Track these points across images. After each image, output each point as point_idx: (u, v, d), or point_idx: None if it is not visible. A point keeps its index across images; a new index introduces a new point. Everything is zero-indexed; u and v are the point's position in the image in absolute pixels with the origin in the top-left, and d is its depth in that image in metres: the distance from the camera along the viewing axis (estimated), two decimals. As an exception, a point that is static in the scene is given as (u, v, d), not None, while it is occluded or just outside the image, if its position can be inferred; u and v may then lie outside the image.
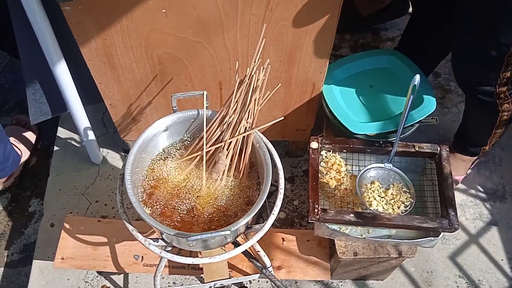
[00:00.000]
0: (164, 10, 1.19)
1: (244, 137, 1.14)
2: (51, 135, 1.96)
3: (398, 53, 1.57)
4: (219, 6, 1.18)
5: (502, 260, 1.69)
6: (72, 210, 1.75)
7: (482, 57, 1.30)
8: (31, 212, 1.89)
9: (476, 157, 1.75)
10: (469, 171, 1.81)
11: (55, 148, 1.90)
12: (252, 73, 1.07)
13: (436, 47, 1.70)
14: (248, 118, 1.12)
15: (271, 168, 1.10)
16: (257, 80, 1.06)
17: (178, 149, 1.23)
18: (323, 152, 1.41)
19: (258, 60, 1.06)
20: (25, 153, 1.94)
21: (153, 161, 1.21)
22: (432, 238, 1.32)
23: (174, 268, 1.50)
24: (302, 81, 1.44)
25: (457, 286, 1.64)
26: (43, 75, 1.45)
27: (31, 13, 1.19)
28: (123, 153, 1.88)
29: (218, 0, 1.16)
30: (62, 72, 1.37)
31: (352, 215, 1.28)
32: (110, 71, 1.38)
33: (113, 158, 1.87)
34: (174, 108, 1.17)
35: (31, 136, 1.99)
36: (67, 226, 1.52)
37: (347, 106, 1.48)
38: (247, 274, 1.46)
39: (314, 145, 1.39)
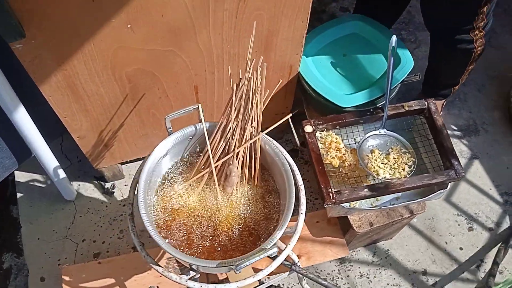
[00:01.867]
0: (129, 26, 1.06)
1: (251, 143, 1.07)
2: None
3: (362, 17, 1.55)
4: (189, 9, 1.08)
5: (491, 189, 1.78)
6: (60, 257, 1.60)
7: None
8: (6, 268, 1.70)
9: (445, 99, 1.80)
10: (441, 113, 1.87)
11: (18, 195, 1.71)
12: (249, 75, 0.99)
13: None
14: (252, 122, 1.04)
15: (289, 168, 1.05)
16: (255, 82, 0.98)
17: (181, 172, 1.14)
18: (317, 134, 1.38)
19: (252, 61, 0.98)
20: (-22, 208, 1.74)
21: (158, 191, 1.11)
22: (442, 191, 1.34)
23: None
24: (280, 66, 1.38)
25: (458, 224, 1.72)
26: (1, 128, 1.27)
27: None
28: (96, 182, 1.73)
29: (188, 2, 1.06)
30: (22, 118, 1.21)
31: (366, 189, 1.27)
32: (75, 103, 1.24)
33: (87, 189, 1.72)
34: (169, 130, 1.07)
35: (-20, 187, 1.78)
36: (66, 278, 1.38)
37: (327, 81, 1.44)
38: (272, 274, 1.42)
39: (308, 128, 1.34)
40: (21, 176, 1.74)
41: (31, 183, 1.73)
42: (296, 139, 1.82)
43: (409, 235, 1.69)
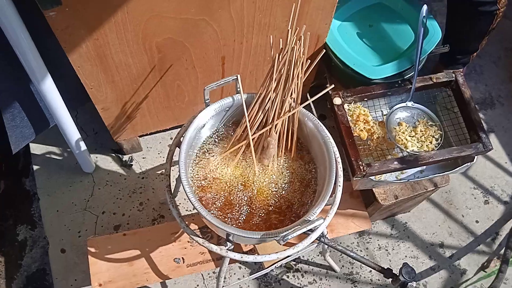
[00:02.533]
0: (165, -7, 1.03)
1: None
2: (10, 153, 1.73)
3: (386, -15, 1.52)
4: (226, -25, 1.04)
5: (506, 163, 1.80)
6: (80, 229, 1.59)
7: None
8: (21, 240, 1.69)
9: (465, 67, 1.79)
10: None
11: (35, 167, 1.69)
12: (292, 45, 0.96)
13: None
14: (291, 94, 1.03)
15: (329, 141, 1.04)
16: (298, 51, 0.96)
17: (216, 144, 1.12)
18: (345, 106, 1.37)
19: (296, 29, 0.95)
20: (-9, 180, 1.71)
21: (195, 162, 1.09)
22: (468, 164, 1.35)
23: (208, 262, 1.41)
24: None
25: (474, 198, 1.74)
26: (22, 96, 1.24)
27: (9, 28, 0.98)
28: (114, 154, 1.71)
29: (226, -32, 1.02)
30: (49, 86, 1.17)
31: (396, 162, 1.27)
32: (103, 73, 1.21)
33: (105, 161, 1.70)
34: (206, 101, 1.05)
35: (-10, 160, 1.75)
36: (92, 249, 1.38)
37: (354, 52, 1.42)
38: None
39: (337, 101, 1.33)
40: (36, 149, 1.71)
41: (48, 156, 1.70)
42: (314, 111, 1.81)
43: (427, 208, 1.71)
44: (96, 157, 1.70)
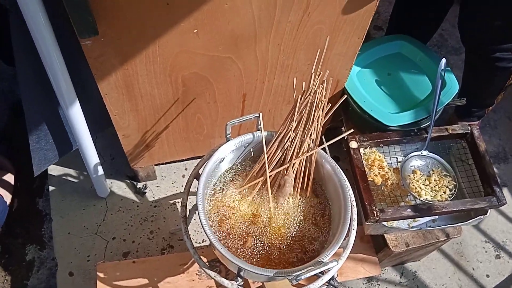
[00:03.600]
0: (195, 31, 1.08)
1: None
2: (27, 172, 1.76)
3: (406, 37, 1.57)
4: (255, 18, 1.09)
5: (519, 218, 1.79)
6: (90, 253, 1.60)
7: (507, 15, 1.34)
8: (29, 260, 1.70)
9: (479, 120, 1.81)
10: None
11: (50, 188, 1.71)
12: (315, 88, 1.00)
13: (435, 16, 1.70)
14: (311, 135, 1.05)
15: (345, 184, 1.06)
16: (320, 95, 0.99)
17: (234, 178, 1.14)
18: (361, 150, 1.39)
19: (319, 74, 0.99)
20: (7, 197, 1.74)
21: (211, 194, 1.11)
22: (481, 217, 1.35)
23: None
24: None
25: (486, 251, 1.72)
26: (49, 119, 1.28)
27: (45, 50, 1.03)
28: (128, 181, 1.73)
29: (255, 11, 1.07)
30: (75, 111, 1.22)
31: (409, 210, 1.28)
32: (128, 102, 1.25)
33: (119, 188, 1.72)
34: (227, 136, 1.08)
35: (9, 177, 1.78)
36: (101, 275, 1.38)
37: (372, 98, 1.45)
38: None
39: (353, 144, 1.35)
40: (53, 170, 1.74)
41: (64, 178, 1.73)
42: (328, 152, 1.83)
43: (437, 258, 1.69)
44: (111, 182, 1.73)
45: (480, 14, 1.42)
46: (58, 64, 1.07)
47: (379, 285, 1.61)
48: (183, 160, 1.74)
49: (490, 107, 1.73)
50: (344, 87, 1.46)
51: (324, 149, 1.10)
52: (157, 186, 1.73)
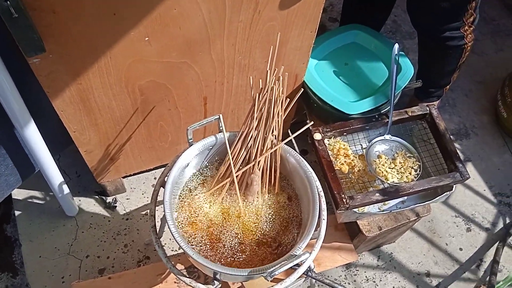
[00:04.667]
0: (147, 38, 1.06)
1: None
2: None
3: (360, 26, 1.59)
4: (206, 21, 1.09)
5: (485, 190, 1.85)
6: (64, 275, 1.56)
7: None
8: (2, 289, 1.65)
9: (439, 100, 1.86)
10: (434, 118, 1.92)
11: (16, 213, 1.67)
12: (271, 85, 1.00)
13: (385, 2, 1.74)
14: (273, 131, 1.06)
15: (311, 175, 1.07)
16: (278, 91, 1.00)
17: (201, 182, 1.14)
18: (325, 140, 1.40)
19: (275, 70, 1.00)
20: (-29, 227, 1.68)
21: (179, 201, 1.10)
22: (448, 193, 1.39)
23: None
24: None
25: (457, 226, 1.77)
26: (6, 142, 1.24)
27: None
28: (97, 196, 1.70)
29: (205, 13, 1.07)
30: (31, 132, 1.18)
31: (377, 194, 1.30)
32: (86, 116, 1.22)
33: (88, 204, 1.69)
34: (190, 141, 1.07)
35: (-29, 206, 1.72)
36: (76, 295, 1.35)
37: (331, 89, 1.47)
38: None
39: (317, 136, 1.37)
40: (18, 193, 1.69)
41: (29, 200, 1.68)
42: (296, 147, 1.84)
43: (411, 237, 1.73)
44: (79, 200, 1.69)
45: (428, 2, 1.46)
46: (7, 85, 1.04)
47: (357, 270, 1.64)
48: (151, 170, 1.72)
49: (447, 86, 1.78)
50: (303, 80, 1.47)
51: (292, 144, 1.11)
52: (127, 199, 1.71)
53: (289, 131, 1.81)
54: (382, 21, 1.85)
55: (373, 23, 1.69)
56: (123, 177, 1.65)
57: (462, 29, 1.50)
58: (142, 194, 1.72)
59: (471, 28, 1.52)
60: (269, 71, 1.01)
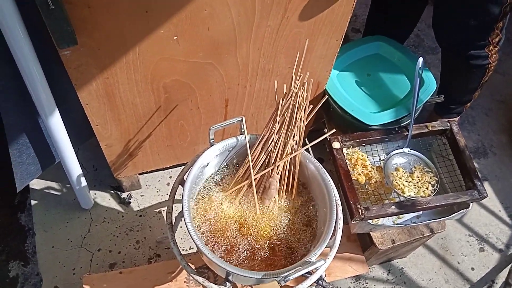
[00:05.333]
0: (175, 37, 1.08)
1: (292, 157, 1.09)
2: (7, 187, 1.72)
3: (383, 38, 1.59)
4: (234, 24, 1.10)
5: (500, 211, 1.83)
6: (75, 266, 1.57)
7: (480, 15, 1.37)
8: (13, 277, 1.67)
9: (458, 116, 1.85)
10: (453, 134, 1.91)
11: (33, 202, 1.69)
12: (296, 90, 1.01)
13: (410, 16, 1.74)
14: (294, 137, 1.06)
15: (329, 183, 1.07)
16: (302, 96, 1.01)
17: (218, 183, 1.14)
18: (344, 150, 1.40)
19: (300, 76, 1.00)
20: (-15, 214, 1.70)
21: (197, 200, 1.11)
22: (464, 211, 1.38)
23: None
24: (309, 83, 1.41)
25: (470, 245, 1.75)
26: (30, 131, 1.26)
27: (23, 61, 1.01)
28: (112, 191, 1.72)
29: (234, 16, 1.08)
30: (56, 123, 1.20)
31: (393, 207, 1.29)
32: (110, 111, 1.24)
33: (103, 198, 1.71)
34: (211, 141, 1.08)
35: (-15, 193, 1.75)
36: (87, 287, 1.36)
37: (352, 99, 1.47)
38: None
39: (336, 145, 1.37)
40: (36, 184, 1.71)
41: (46, 191, 1.71)
42: (312, 154, 1.84)
43: (423, 253, 1.71)
44: (95, 194, 1.71)
45: (454, 14, 1.46)
46: (37, 75, 1.06)
47: (367, 283, 1.63)
48: (167, 168, 1.73)
49: (468, 104, 1.77)
50: (325, 89, 1.48)
51: (307, 150, 1.12)
52: (141, 196, 1.72)
53: (305, 139, 1.81)
54: (406, 35, 1.85)
55: (396, 35, 1.69)
56: (140, 174, 1.67)
57: (487, 49, 1.50)
58: (157, 192, 1.73)
59: (496, 48, 1.51)
60: (294, 76, 1.02)
